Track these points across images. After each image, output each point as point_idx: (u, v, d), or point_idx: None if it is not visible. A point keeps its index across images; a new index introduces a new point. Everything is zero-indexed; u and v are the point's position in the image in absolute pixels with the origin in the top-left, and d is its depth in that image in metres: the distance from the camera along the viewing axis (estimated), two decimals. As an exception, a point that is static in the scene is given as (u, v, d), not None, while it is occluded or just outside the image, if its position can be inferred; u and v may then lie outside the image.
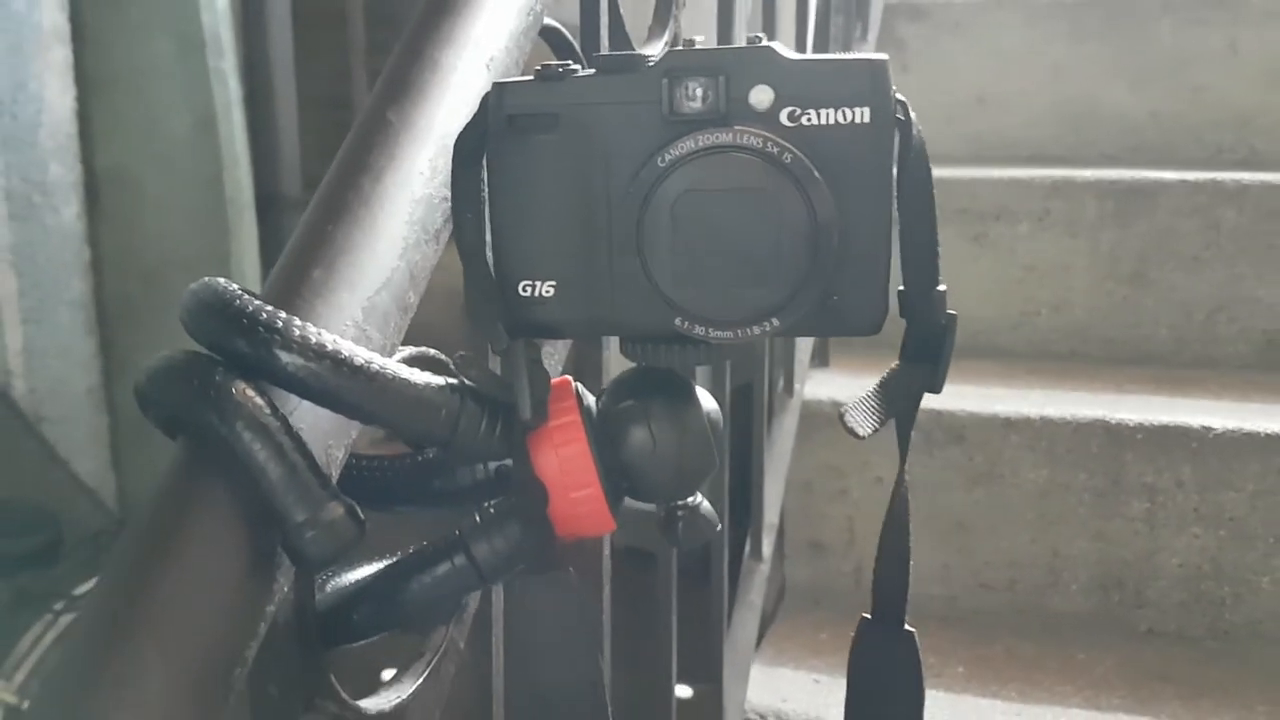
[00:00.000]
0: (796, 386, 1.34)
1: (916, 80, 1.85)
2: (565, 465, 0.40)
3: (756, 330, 0.39)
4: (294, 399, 0.38)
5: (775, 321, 0.38)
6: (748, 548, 1.21)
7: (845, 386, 1.45)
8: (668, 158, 0.37)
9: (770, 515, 1.22)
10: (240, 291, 0.37)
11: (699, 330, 0.39)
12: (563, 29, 0.63)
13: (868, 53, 0.39)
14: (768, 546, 1.20)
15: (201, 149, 2.35)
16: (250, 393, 0.36)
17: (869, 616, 0.44)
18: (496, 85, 0.39)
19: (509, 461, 0.41)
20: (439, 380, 0.39)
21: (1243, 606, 1.26)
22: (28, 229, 2.13)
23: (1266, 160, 1.71)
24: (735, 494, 1.22)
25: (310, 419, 0.39)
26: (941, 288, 0.40)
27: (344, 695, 0.45)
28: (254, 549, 0.36)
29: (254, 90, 2.53)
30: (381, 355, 0.42)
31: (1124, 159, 1.78)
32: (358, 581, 0.43)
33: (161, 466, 0.38)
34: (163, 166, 2.31)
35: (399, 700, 0.50)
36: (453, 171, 0.40)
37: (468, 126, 0.40)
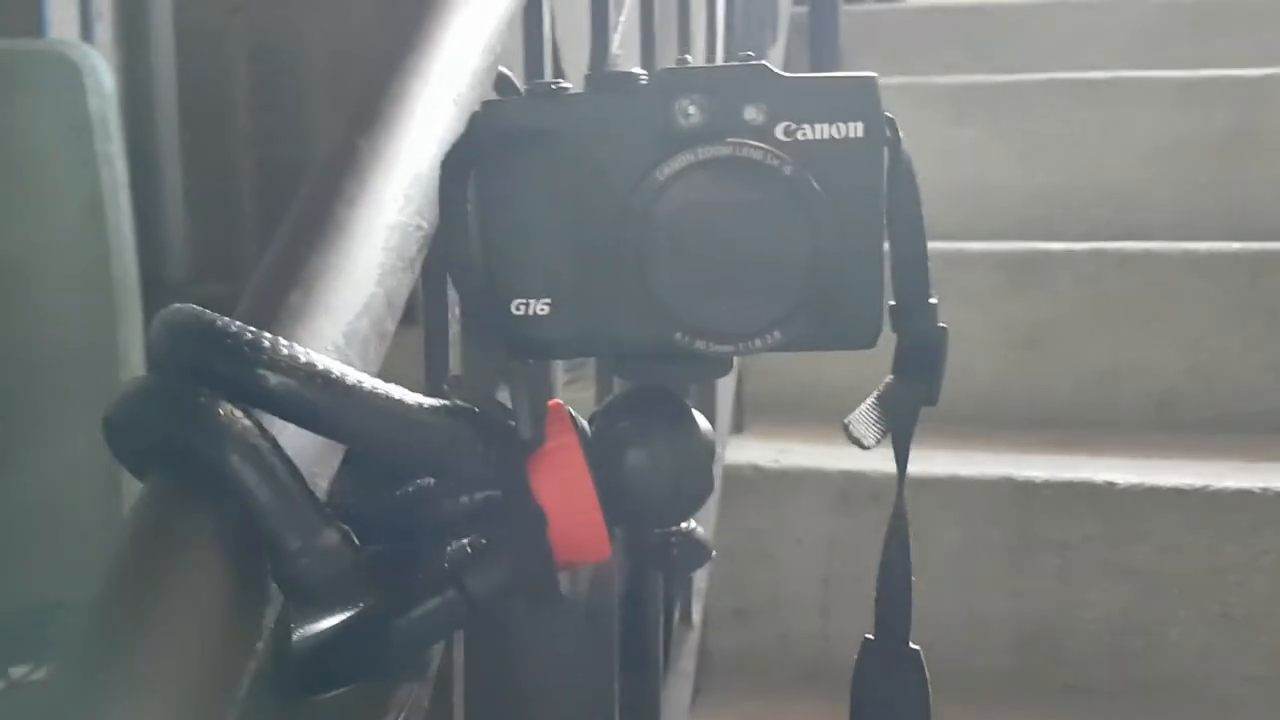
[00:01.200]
0: (718, 450, 1.34)
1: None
2: (565, 489, 0.39)
3: (758, 343, 0.38)
4: (278, 422, 0.36)
5: (777, 334, 0.38)
6: (677, 614, 1.19)
7: (764, 451, 1.46)
8: (667, 171, 0.37)
9: (699, 580, 1.21)
10: (218, 315, 0.36)
11: (700, 344, 0.38)
12: (509, 74, 0.63)
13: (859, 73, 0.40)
14: (697, 612, 1.19)
15: (89, 232, 2.28)
16: (237, 414, 0.34)
17: (871, 637, 0.44)
18: (486, 103, 0.39)
19: (497, 491, 0.40)
20: (433, 401, 0.38)
21: (1156, 658, 1.29)
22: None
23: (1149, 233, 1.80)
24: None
25: (295, 443, 0.37)
26: (933, 300, 0.41)
27: (318, 747, 0.43)
28: (244, 581, 0.34)
29: (139, 176, 2.48)
30: (363, 381, 0.41)
31: (1011, 234, 1.85)
32: (337, 624, 0.41)
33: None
34: (50, 250, 2.24)
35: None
36: (440, 191, 0.39)
37: (455, 145, 0.39)
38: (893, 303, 0.42)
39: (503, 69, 0.61)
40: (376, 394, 0.36)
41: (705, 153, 0.38)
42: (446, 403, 0.38)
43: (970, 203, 1.89)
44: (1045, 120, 1.91)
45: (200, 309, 0.36)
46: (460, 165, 0.39)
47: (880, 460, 1.43)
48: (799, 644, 1.39)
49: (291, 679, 0.40)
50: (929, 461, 1.40)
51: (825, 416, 1.60)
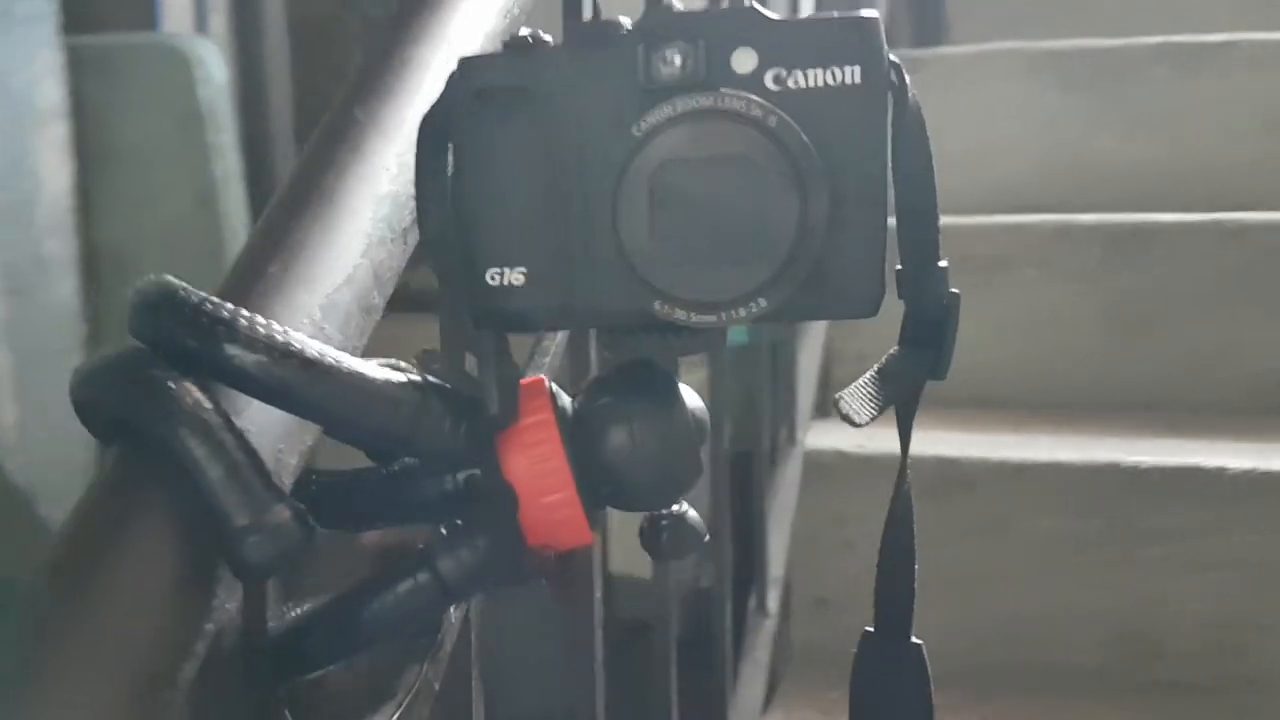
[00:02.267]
0: (799, 435, 1.30)
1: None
2: (537, 468, 0.37)
3: (742, 312, 0.35)
4: (243, 399, 0.35)
5: (762, 302, 0.35)
6: (752, 603, 1.17)
7: (849, 436, 1.41)
8: (644, 126, 0.35)
9: (775, 568, 1.18)
10: (189, 288, 0.34)
11: (680, 315, 0.36)
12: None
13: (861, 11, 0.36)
14: (773, 601, 1.16)
15: (200, 224, 2.34)
16: (190, 387, 0.33)
17: (871, 630, 0.40)
18: (462, 60, 0.37)
19: (478, 471, 0.38)
20: (400, 376, 0.36)
21: (1263, 655, 1.21)
22: (23, 304, 2.11)
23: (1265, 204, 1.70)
24: (739, 548, 1.18)
25: (260, 420, 0.36)
26: (943, 263, 0.37)
27: (305, 733, 0.41)
28: (190, 559, 0.33)
29: (254, 168, 2.54)
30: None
31: (1115, 208, 1.76)
32: (312, 606, 0.39)
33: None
34: (161, 242, 2.30)
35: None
36: (417, 154, 0.37)
37: (433, 106, 0.37)
38: (899, 267, 0.38)
39: (525, 31, 0.58)
40: (340, 369, 0.35)
41: (684, 105, 0.35)
42: (416, 378, 0.37)
43: (1076, 173, 1.81)
44: (1156, 86, 1.81)
45: (172, 281, 0.35)
46: (435, 127, 0.37)
47: (975, 447, 1.38)
48: (885, 634, 1.34)
49: (269, 662, 0.39)
50: (1029, 447, 1.34)
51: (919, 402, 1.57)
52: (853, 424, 0.37)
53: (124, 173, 2.33)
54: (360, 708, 0.46)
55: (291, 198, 0.41)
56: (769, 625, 1.15)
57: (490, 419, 0.36)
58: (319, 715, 0.44)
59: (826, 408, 1.52)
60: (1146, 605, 1.24)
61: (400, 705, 0.48)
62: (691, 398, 0.40)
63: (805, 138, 0.34)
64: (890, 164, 0.36)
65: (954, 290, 0.38)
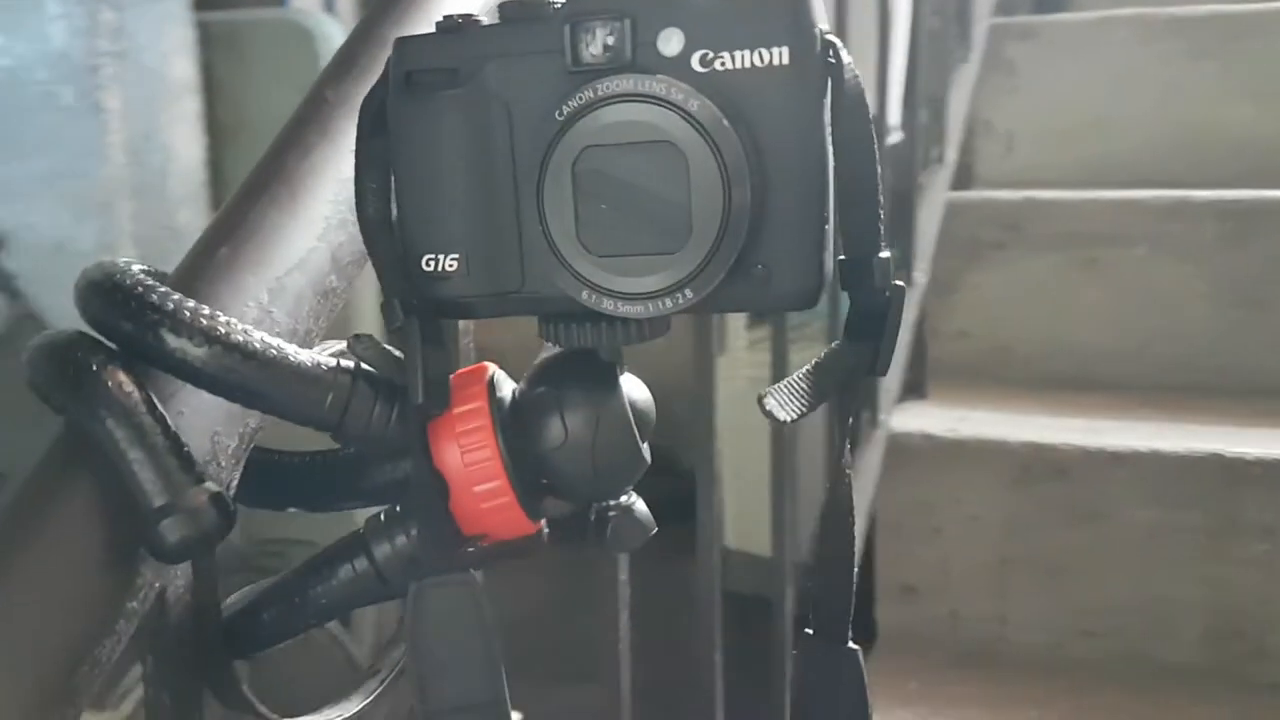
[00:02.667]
0: (882, 417, 1.27)
1: (1026, 102, 1.77)
2: (467, 458, 0.36)
3: (669, 303, 0.34)
4: (179, 384, 0.36)
5: (688, 293, 0.34)
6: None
7: (941, 419, 1.37)
8: (565, 110, 0.34)
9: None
10: (130, 271, 0.35)
11: (607, 305, 0.35)
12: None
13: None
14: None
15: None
16: (116, 372, 0.34)
17: (809, 632, 0.39)
18: (396, 40, 0.36)
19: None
20: (330, 361, 0.36)
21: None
22: (159, 276, 2.21)
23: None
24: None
25: (195, 403, 0.36)
26: (884, 254, 0.35)
27: (259, 706, 0.42)
28: (109, 539, 0.34)
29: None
30: (290, 337, 0.40)
31: (1241, 182, 1.66)
32: (263, 585, 0.40)
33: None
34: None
35: (339, 718, 0.47)
36: (357, 137, 0.37)
37: (372, 89, 0.37)
38: (841, 257, 0.36)
39: (458, 11, 0.57)
40: (268, 355, 0.35)
41: (605, 88, 0.33)
42: (348, 363, 0.36)
43: (1200, 146, 1.71)
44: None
45: (116, 264, 0.35)
46: (373, 110, 0.36)
47: (1071, 432, 1.32)
48: (971, 626, 1.31)
49: (217, 636, 0.40)
50: (1128, 434, 1.28)
51: (1016, 384, 1.51)
52: (775, 420, 0.35)
53: (254, 146, 2.42)
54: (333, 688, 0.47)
55: (253, 181, 0.42)
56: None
57: (416, 405, 0.36)
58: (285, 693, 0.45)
59: (921, 389, 1.48)
60: (1247, 604, 1.18)
61: (383, 683, 0.49)
62: (636, 389, 0.39)
63: (728, 122, 0.33)
64: (830, 149, 0.35)
65: (897, 283, 0.36)
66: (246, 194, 0.41)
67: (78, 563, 0.33)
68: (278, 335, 0.39)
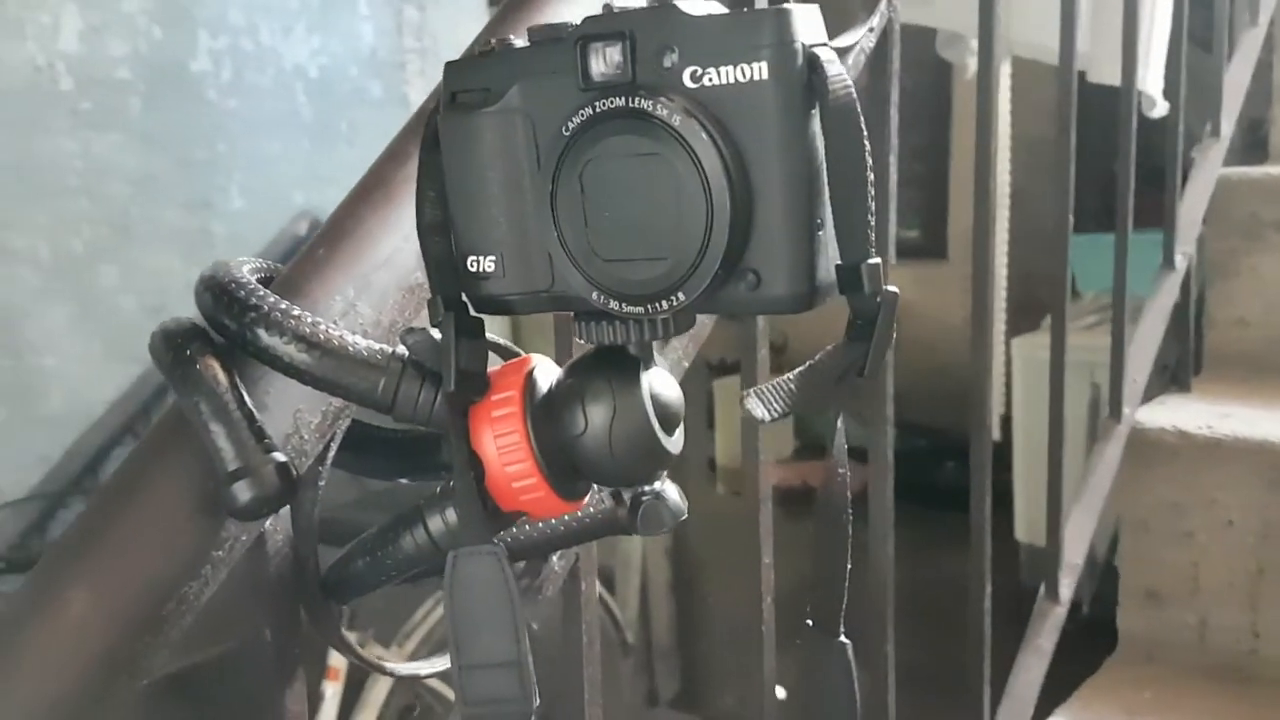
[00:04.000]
0: (1126, 411, 1.20)
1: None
2: (499, 442, 0.40)
3: (664, 305, 0.37)
4: (266, 370, 0.42)
5: (681, 295, 0.36)
6: (1043, 587, 1.10)
7: (1201, 415, 1.28)
8: (570, 126, 0.37)
9: (1072, 554, 1.10)
10: (238, 273, 0.41)
11: (613, 305, 0.37)
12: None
13: (785, 3, 0.36)
14: (1066, 589, 1.09)
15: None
16: (209, 359, 0.40)
17: (810, 624, 0.40)
18: (446, 64, 0.40)
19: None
20: (386, 350, 0.41)
21: None
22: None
23: None
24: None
25: (280, 386, 0.42)
26: (873, 260, 0.36)
27: (355, 646, 0.48)
28: (197, 498, 0.40)
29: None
30: (373, 328, 0.45)
31: None
32: (350, 545, 0.45)
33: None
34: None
35: (440, 670, 0.52)
36: (420, 150, 0.41)
37: (432, 107, 0.41)
38: (838, 261, 0.37)
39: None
40: (334, 347, 0.40)
41: (603, 105, 0.36)
42: (401, 353, 0.41)
43: None
44: None
45: (230, 267, 0.42)
46: (431, 126, 0.41)
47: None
48: (1219, 637, 1.22)
49: (319, 586, 0.46)
50: None
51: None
52: (754, 419, 0.36)
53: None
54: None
55: (358, 187, 0.47)
56: (1057, 613, 1.08)
57: (459, 394, 0.40)
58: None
59: (1184, 381, 1.39)
60: None
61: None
62: (662, 384, 0.41)
63: (707, 136, 0.35)
64: (821, 157, 0.36)
65: (889, 289, 0.36)
66: (351, 199, 0.47)
67: (170, 515, 0.40)
68: (361, 326, 0.44)
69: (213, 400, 0.40)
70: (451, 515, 0.42)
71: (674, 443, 0.41)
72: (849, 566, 0.39)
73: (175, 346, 0.41)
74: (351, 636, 0.48)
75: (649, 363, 0.41)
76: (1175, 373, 1.39)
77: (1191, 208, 1.33)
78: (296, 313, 0.41)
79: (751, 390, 0.36)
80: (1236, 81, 1.41)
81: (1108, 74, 1.27)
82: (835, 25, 0.72)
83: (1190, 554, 1.24)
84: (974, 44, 1.67)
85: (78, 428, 1.79)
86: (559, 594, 0.58)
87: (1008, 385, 2.54)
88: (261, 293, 0.41)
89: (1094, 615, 1.87)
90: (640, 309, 0.37)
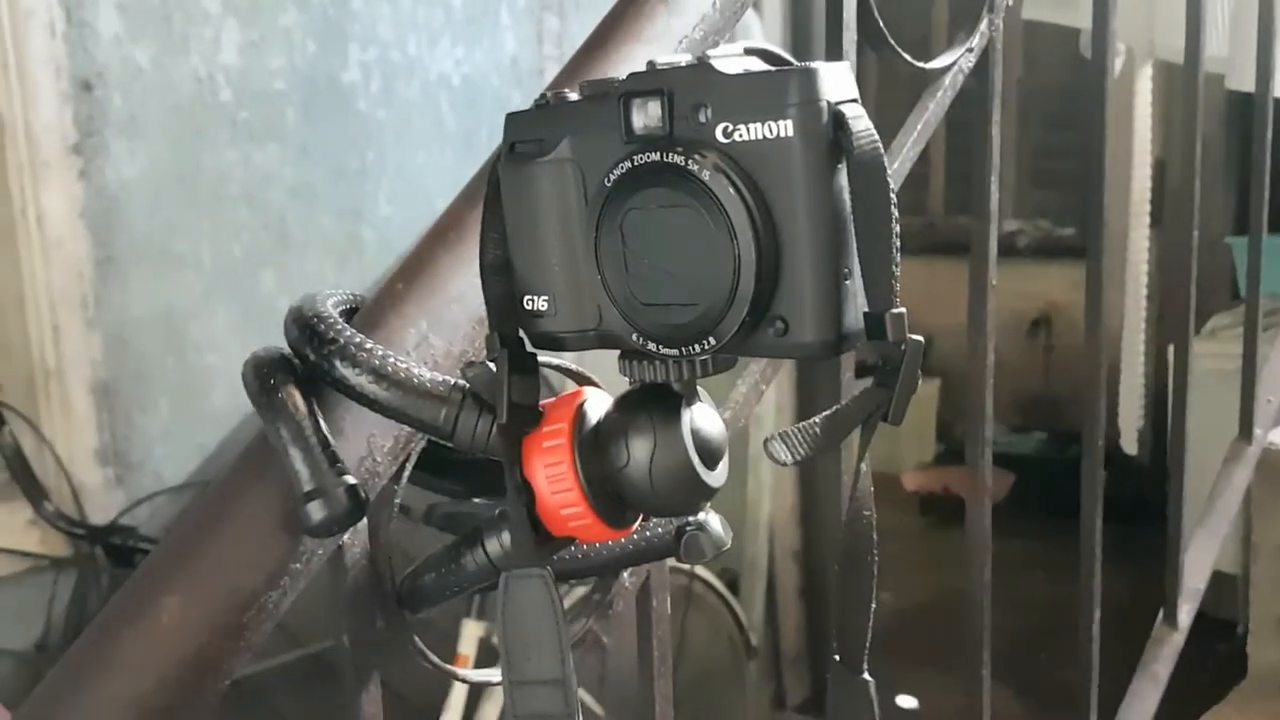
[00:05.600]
0: (1257, 432, 1.16)
1: None
2: (549, 474, 0.42)
3: (697, 349, 0.39)
4: (342, 398, 0.45)
5: (711, 340, 0.38)
6: (1160, 613, 1.07)
7: (1345, 440, 1.22)
8: (612, 178, 0.39)
9: (1193, 579, 1.07)
10: (322, 308, 0.45)
11: (651, 346, 0.40)
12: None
13: (811, 62, 0.37)
14: (1185, 615, 1.06)
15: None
16: (290, 387, 0.44)
17: (836, 659, 0.41)
18: (507, 115, 0.43)
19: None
20: (449, 382, 0.44)
21: None
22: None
23: None
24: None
25: (355, 413, 0.46)
26: (897, 310, 0.37)
27: (428, 651, 0.51)
28: (279, 516, 0.44)
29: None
30: (444, 359, 0.48)
31: None
32: (423, 559, 0.49)
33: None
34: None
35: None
36: (485, 195, 0.44)
37: (496, 155, 0.44)
38: (866, 310, 0.38)
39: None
40: (402, 379, 0.44)
41: (641, 159, 0.38)
42: (463, 384, 0.44)
43: None
44: None
45: (315, 301, 0.46)
46: (495, 173, 0.44)
47: None
48: (1358, 671, 1.16)
49: (394, 596, 0.49)
50: None
51: None
52: (776, 462, 0.38)
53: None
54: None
55: (436, 225, 0.50)
56: (1174, 640, 1.05)
57: (511, 425, 0.43)
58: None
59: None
60: None
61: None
62: (706, 421, 0.43)
63: (735, 190, 0.36)
64: (848, 210, 0.37)
65: (914, 337, 0.37)
66: (428, 238, 0.50)
67: (254, 531, 0.44)
68: (433, 356, 0.48)
69: (291, 426, 0.43)
70: (507, 538, 0.45)
71: (715, 476, 0.43)
72: (874, 605, 0.40)
73: (262, 375, 0.45)
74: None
75: (692, 399, 0.43)
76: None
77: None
78: (369, 346, 0.44)
79: (775, 435, 0.38)
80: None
81: (1247, 80, 1.22)
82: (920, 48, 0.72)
83: (1328, 584, 1.19)
84: (1119, 45, 1.62)
85: (234, 422, 1.90)
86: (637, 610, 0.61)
87: (1161, 393, 2.45)
88: (340, 326, 0.44)
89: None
90: (676, 351, 0.39)
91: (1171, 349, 2.54)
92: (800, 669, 2.64)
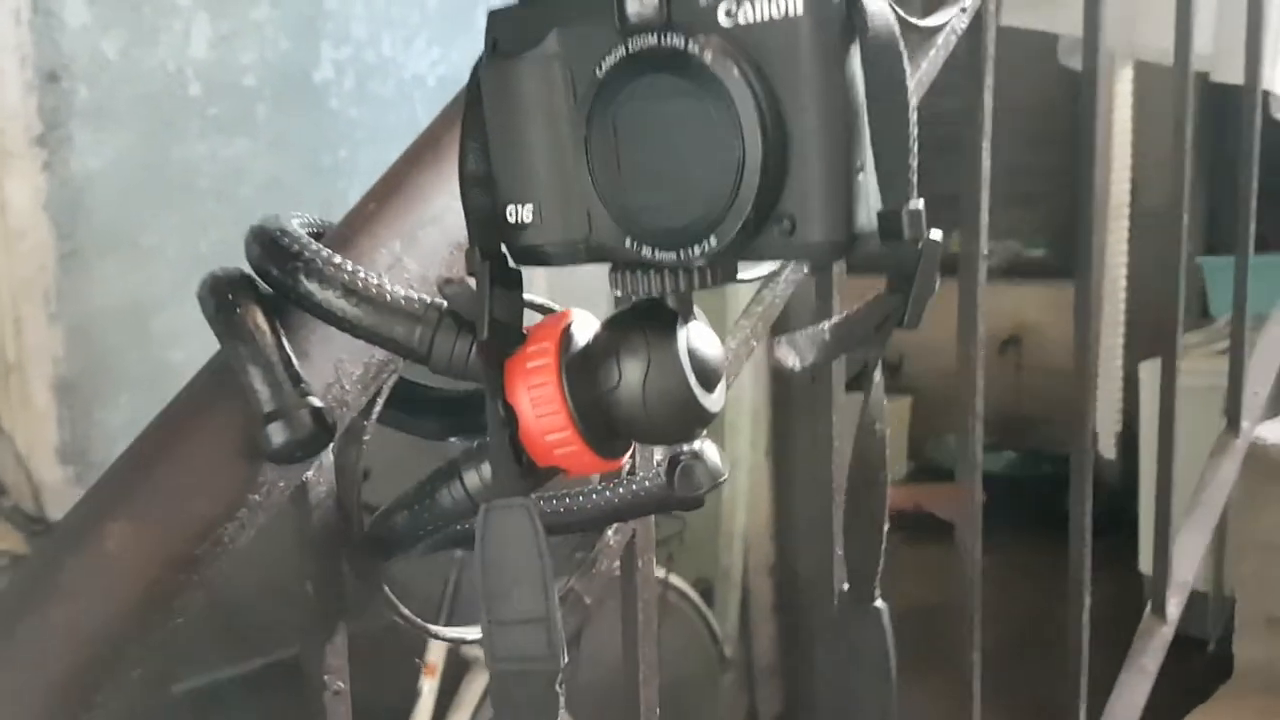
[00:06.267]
0: (1244, 424, 1.14)
1: None
2: (533, 396, 0.39)
3: (696, 251, 0.36)
4: (310, 319, 0.42)
5: (713, 240, 0.35)
6: (1149, 605, 1.05)
7: (1331, 436, 1.21)
8: (604, 66, 0.36)
9: (1182, 571, 1.05)
10: (287, 226, 0.42)
11: (646, 251, 0.37)
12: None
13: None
14: (1174, 607, 1.03)
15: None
16: (252, 306, 0.41)
17: (845, 589, 0.38)
18: (490, 12, 0.40)
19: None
20: (424, 300, 0.41)
21: None
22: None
23: None
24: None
25: (322, 334, 0.43)
26: (915, 205, 0.34)
27: (398, 603, 0.48)
28: (235, 441, 0.40)
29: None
30: (420, 284, 0.45)
31: None
32: (389, 503, 0.45)
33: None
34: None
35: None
36: (465, 101, 0.41)
37: (479, 57, 0.41)
38: (879, 209, 0.35)
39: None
40: (373, 295, 0.41)
41: (636, 45, 0.35)
42: (439, 303, 0.41)
43: None
44: None
45: (280, 219, 0.43)
46: (476, 76, 0.41)
47: None
48: (1346, 668, 1.14)
49: (368, 548, 0.46)
50: None
51: None
52: (784, 368, 0.35)
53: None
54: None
55: (410, 149, 0.47)
56: (1163, 633, 1.02)
57: (492, 344, 0.40)
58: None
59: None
60: None
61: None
62: (704, 341, 0.40)
63: (739, 74, 0.34)
64: (861, 98, 0.34)
65: (931, 236, 0.34)
66: (403, 158, 0.47)
67: (209, 456, 0.40)
68: (407, 280, 0.45)
69: (252, 345, 0.40)
70: (487, 470, 0.42)
71: (713, 400, 0.40)
72: (886, 527, 0.37)
73: (220, 293, 0.41)
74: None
75: (688, 317, 0.40)
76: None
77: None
78: (338, 261, 0.41)
79: (783, 337, 0.35)
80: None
81: (1232, 72, 1.21)
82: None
83: (1315, 580, 1.17)
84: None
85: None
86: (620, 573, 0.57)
87: (1132, 409, 2.44)
88: (306, 241, 0.41)
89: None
90: (673, 254, 0.36)
91: (1141, 366, 2.55)
92: (774, 683, 2.60)
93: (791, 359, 0.35)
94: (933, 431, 4.12)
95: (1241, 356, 1.12)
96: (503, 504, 0.39)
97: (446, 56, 2.15)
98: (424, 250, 0.45)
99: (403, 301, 0.41)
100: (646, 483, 0.49)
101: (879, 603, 0.37)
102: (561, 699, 0.39)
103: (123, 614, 0.37)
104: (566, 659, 0.39)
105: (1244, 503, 1.19)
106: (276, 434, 0.39)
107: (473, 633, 0.51)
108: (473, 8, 2.19)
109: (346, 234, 0.44)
